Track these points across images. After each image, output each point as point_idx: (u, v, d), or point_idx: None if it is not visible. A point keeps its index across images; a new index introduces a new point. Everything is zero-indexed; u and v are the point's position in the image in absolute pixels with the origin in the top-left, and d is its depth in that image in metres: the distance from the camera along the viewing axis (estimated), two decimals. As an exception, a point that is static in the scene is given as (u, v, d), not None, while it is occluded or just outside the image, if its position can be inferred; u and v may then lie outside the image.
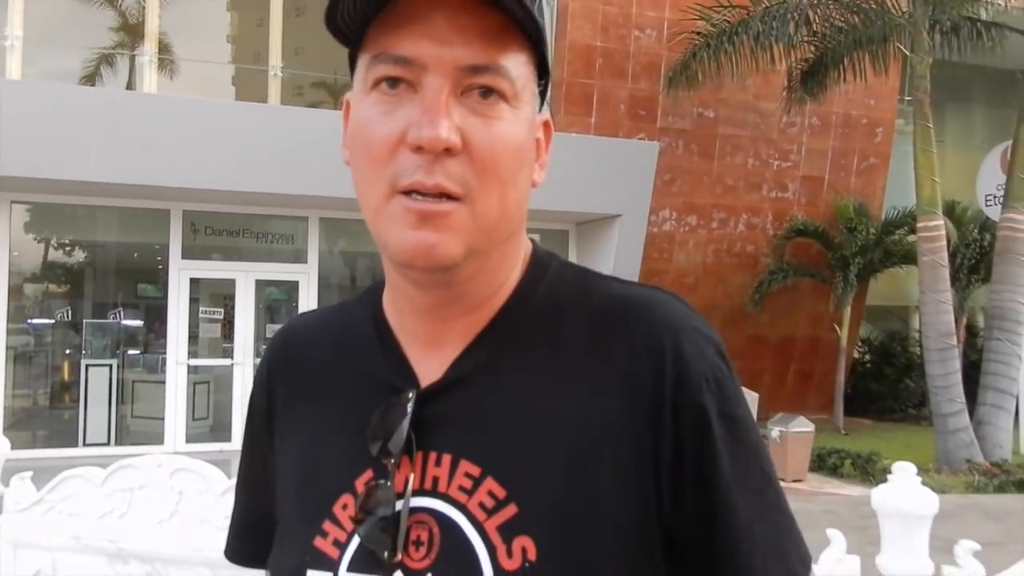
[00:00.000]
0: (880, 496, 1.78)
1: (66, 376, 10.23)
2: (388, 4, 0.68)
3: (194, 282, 10.13)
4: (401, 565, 0.69)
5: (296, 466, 0.79)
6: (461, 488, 0.70)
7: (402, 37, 0.67)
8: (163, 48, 10.65)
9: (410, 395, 0.72)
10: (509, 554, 0.67)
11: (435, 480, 0.71)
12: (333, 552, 0.73)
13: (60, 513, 2.13)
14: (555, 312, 0.74)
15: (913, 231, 9.78)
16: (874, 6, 9.61)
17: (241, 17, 12.23)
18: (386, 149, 0.68)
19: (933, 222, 9.09)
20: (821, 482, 8.40)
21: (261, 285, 10.50)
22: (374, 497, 0.70)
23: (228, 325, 10.41)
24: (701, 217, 12.03)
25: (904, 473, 1.79)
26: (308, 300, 10.49)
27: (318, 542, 0.73)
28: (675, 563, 0.71)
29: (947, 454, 8.74)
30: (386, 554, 0.69)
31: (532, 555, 0.67)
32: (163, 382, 9.89)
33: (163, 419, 9.81)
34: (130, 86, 10.81)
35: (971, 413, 9.10)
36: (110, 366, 9.93)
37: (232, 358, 10.16)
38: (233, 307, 10.28)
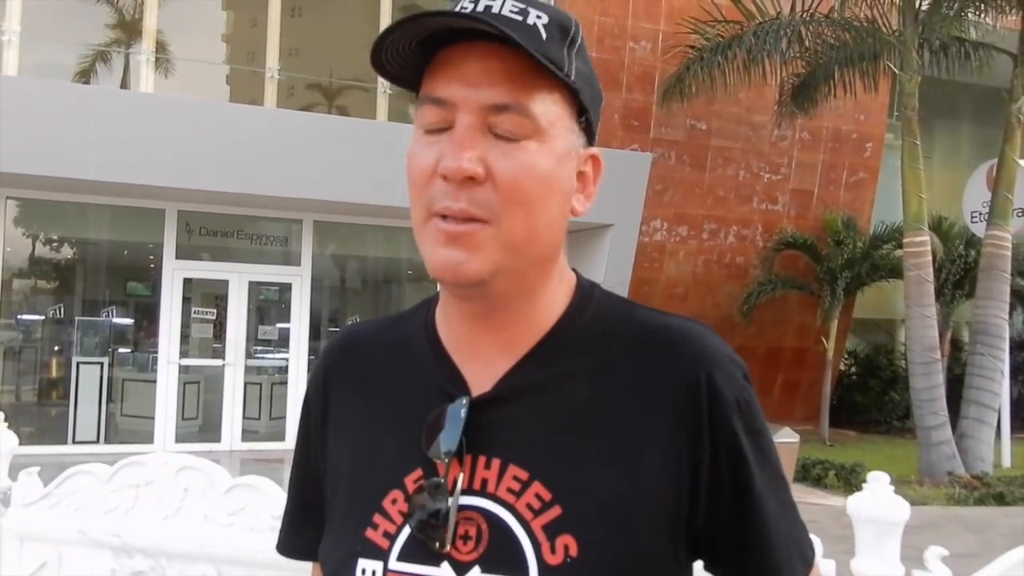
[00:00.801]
0: (855, 504, 1.88)
1: (57, 373, 10.25)
2: (437, 52, 0.77)
3: (187, 282, 10.17)
4: (449, 557, 0.77)
5: (349, 462, 0.87)
6: (509, 490, 0.77)
7: (440, 81, 0.77)
8: (159, 47, 10.69)
9: (463, 402, 0.80)
10: (552, 550, 0.75)
11: (484, 481, 0.78)
12: (383, 543, 0.80)
13: (66, 508, 2.20)
14: (600, 336, 0.83)
15: (900, 246, 9.91)
16: (865, 24, 9.76)
17: (236, 16, 12.25)
18: (424, 177, 0.78)
19: (919, 238, 9.22)
20: (805, 492, 8.49)
21: (254, 286, 10.54)
22: (425, 493, 0.78)
23: (219, 326, 10.44)
24: (692, 228, 12.15)
25: (878, 483, 1.88)
26: (301, 302, 10.55)
27: (369, 533, 0.81)
28: (695, 559, 0.83)
29: (929, 466, 8.86)
30: (437, 545, 0.76)
31: (573, 551, 0.75)
32: (154, 381, 9.91)
33: (153, 418, 9.83)
34: (124, 84, 10.83)
35: (954, 427, 9.22)
36: (101, 364, 9.95)
37: (223, 359, 10.20)
38: (225, 308, 10.32)
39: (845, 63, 10.22)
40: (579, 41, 0.81)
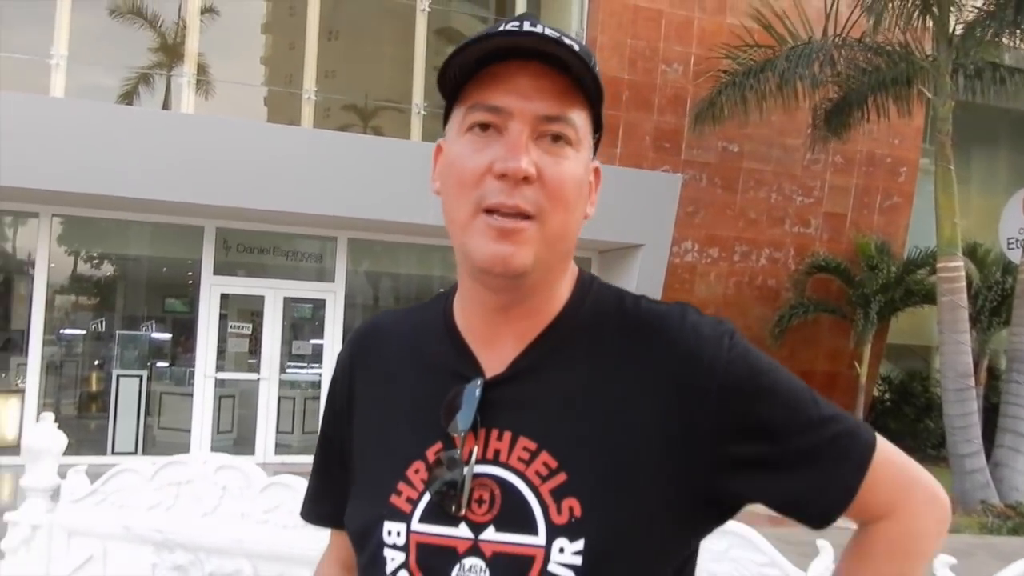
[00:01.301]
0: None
1: (97, 386, 10.50)
2: (486, 67, 0.87)
3: (224, 297, 10.38)
4: (465, 519, 0.87)
5: (374, 437, 0.97)
6: (520, 459, 0.87)
7: (495, 91, 0.87)
8: (200, 69, 10.99)
9: (478, 383, 0.90)
10: (559, 511, 0.85)
11: (496, 452, 0.88)
12: (406, 507, 0.90)
13: (112, 504, 2.31)
14: (598, 322, 0.93)
15: (935, 271, 9.83)
16: (898, 49, 9.75)
17: (275, 40, 12.56)
18: (475, 176, 0.87)
19: (953, 263, 9.15)
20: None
21: (289, 302, 10.74)
22: (444, 463, 0.88)
23: (255, 341, 10.64)
24: (723, 249, 12.15)
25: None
26: (334, 318, 10.71)
27: (393, 499, 0.91)
28: (725, 507, 0.91)
29: (963, 494, 8.74)
30: (453, 508, 0.87)
31: (578, 512, 0.85)
32: (191, 394, 10.11)
33: (189, 431, 10.02)
34: (166, 105, 11.14)
35: (989, 455, 9.10)
36: (140, 377, 10.18)
37: (258, 373, 10.39)
38: (261, 323, 10.52)
39: (878, 88, 10.20)
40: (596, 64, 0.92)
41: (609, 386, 0.89)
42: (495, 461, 0.88)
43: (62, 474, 2.40)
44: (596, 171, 0.96)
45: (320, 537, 2.14)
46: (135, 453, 9.79)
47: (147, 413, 10.16)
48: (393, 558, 0.89)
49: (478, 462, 0.88)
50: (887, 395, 14.06)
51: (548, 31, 0.87)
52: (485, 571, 0.85)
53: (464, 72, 0.88)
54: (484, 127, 0.88)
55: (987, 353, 12.71)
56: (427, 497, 0.89)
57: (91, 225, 10.19)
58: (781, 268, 12.50)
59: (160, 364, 10.63)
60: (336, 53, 11.94)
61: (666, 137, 11.68)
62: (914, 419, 13.26)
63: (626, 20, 11.42)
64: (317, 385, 10.70)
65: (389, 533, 0.90)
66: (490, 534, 0.86)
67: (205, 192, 9.14)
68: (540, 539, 0.85)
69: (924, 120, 12.14)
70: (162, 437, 10.26)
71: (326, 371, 10.66)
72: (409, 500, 0.90)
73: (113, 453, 9.61)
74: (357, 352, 1.04)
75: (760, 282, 12.43)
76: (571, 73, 0.87)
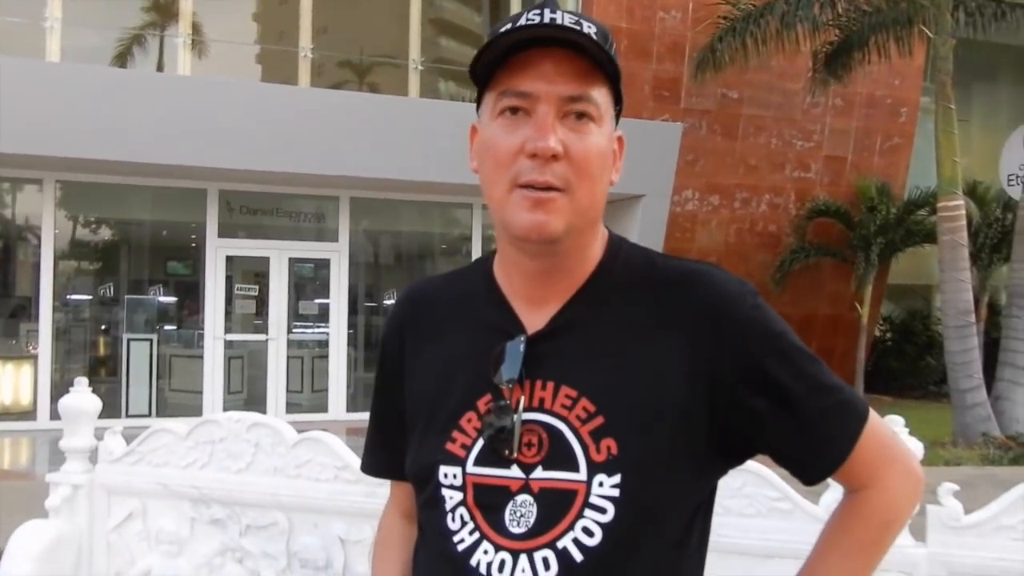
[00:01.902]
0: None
1: (108, 350, 10.62)
2: (512, 56, 0.95)
3: (229, 260, 10.44)
4: (517, 461, 0.96)
5: (428, 391, 1.05)
6: (563, 406, 0.97)
7: (522, 78, 0.95)
8: (194, 29, 10.88)
9: (522, 339, 0.99)
10: (598, 451, 0.95)
11: (541, 400, 0.97)
12: (461, 453, 1.00)
13: (148, 464, 2.40)
14: (630, 280, 1.02)
15: (935, 211, 9.86)
16: (898, -13, 9.66)
17: (265, -4, 12.37)
18: (509, 155, 0.95)
19: (953, 202, 9.18)
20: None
21: (294, 263, 10.80)
22: (494, 413, 0.97)
23: (261, 302, 10.73)
24: (724, 197, 12.17)
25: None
26: (339, 277, 10.79)
27: (448, 446, 1.00)
28: (738, 451, 1.01)
29: (964, 428, 8.90)
30: (507, 452, 0.96)
31: (615, 451, 0.94)
32: (200, 357, 10.23)
33: (201, 392, 10.16)
34: (160, 66, 11.05)
35: (989, 389, 9.24)
36: (150, 341, 10.29)
37: (266, 334, 10.49)
38: (267, 284, 10.60)
39: (879, 28, 10.12)
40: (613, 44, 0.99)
41: (640, 338, 0.98)
42: (540, 408, 0.97)
43: (98, 436, 2.48)
44: (620, 140, 1.04)
45: (351, 490, 2.24)
46: (149, 415, 9.94)
47: (158, 376, 10.29)
48: (451, 497, 0.99)
49: (526, 410, 0.97)
50: (888, 335, 14.20)
51: (567, 19, 0.94)
52: (534, 505, 0.95)
53: (493, 60, 0.96)
54: (514, 111, 0.96)
55: (987, 290, 12.81)
56: (480, 443, 0.98)
57: (94, 190, 10.20)
58: (782, 214, 12.52)
59: (168, 327, 10.72)
60: (329, 8, 11.79)
61: (665, 86, 11.62)
62: (915, 357, 13.42)
63: (622, -34, 11.28)
64: (324, 344, 10.81)
65: (446, 476, 1.00)
66: (538, 473, 0.96)
67: (206, 155, 9.14)
68: (582, 475, 0.94)
69: (925, 59, 12.04)
70: (174, 399, 10.40)
71: (333, 330, 10.76)
72: (464, 446, 1.00)
73: (128, 416, 9.76)
74: (406, 314, 1.12)
75: (761, 228, 12.47)
76: (589, 56, 0.94)
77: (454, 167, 9.25)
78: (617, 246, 1.06)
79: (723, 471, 1.04)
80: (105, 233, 11.13)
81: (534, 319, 1.01)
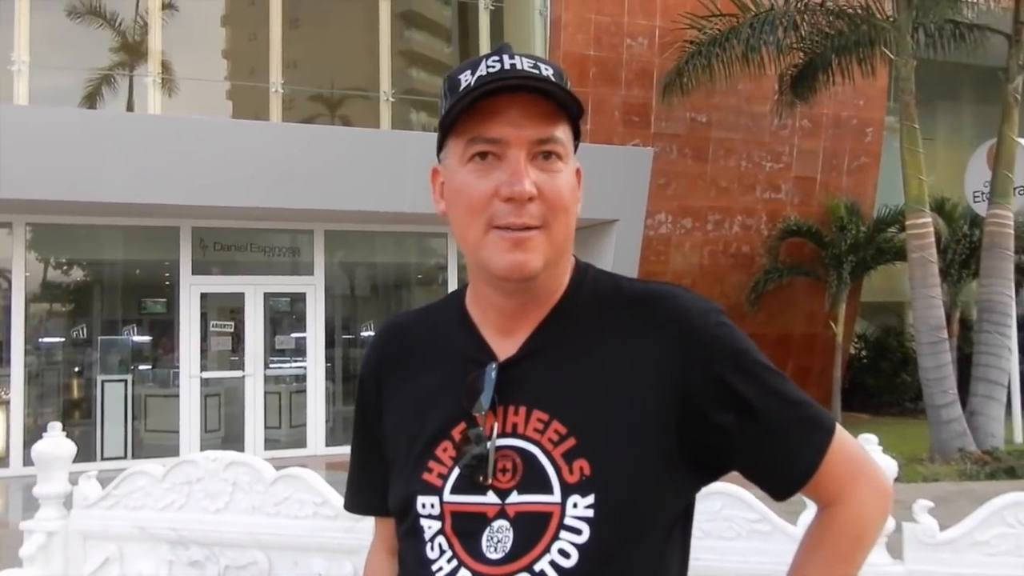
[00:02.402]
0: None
1: (82, 392, 10.47)
2: (477, 103, 0.97)
3: (204, 296, 10.37)
4: (492, 487, 0.98)
5: (405, 424, 1.07)
6: (535, 429, 0.98)
7: (491, 124, 0.98)
8: (163, 67, 10.89)
9: (493, 366, 1.01)
10: (571, 472, 0.96)
11: (514, 425, 0.99)
12: (437, 482, 1.01)
13: (125, 507, 2.38)
14: (596, 305, 1.04)
15: (904, 228, 10.02)
16: (859, 11, 9.88)
17: (234, 32, 12.39)
18: (483, 200, 0.98)
19: (921, 219, 9.33)
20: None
21: (269, 298, 10.74)
22: (471, 439, 0.99)
23: (237, 338, 10.65)
24: (696, 220, 12.29)
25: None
26: (316, 311, 10.74)
27: (425, 476, 1.02)
28: (710, 467, 1.03)
29: (941, 444, 8.97)
30: (481, 478, 0.97)
31: (587, 471, 0.96)
32: (176, 396, 10.12)
33: (177, 432, 10.04)
34: (130, 106, 11.02)
35: (964, 404, 9.33)
36: (125, 381, 10.17)
37: (242, 370, 10.40)
38: (242, 320, 10.53)
39: (841, 50, 10.35)
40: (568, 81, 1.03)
41: (609, 359, 1.01)
42: (514, 433, 0.99)
43: (72, 481, 2.45)
44: (578, 171, 1.08)
45: (331, 526, 2.22)
46: (124, 457, 9.79)
47: (133, 417, 10.15)
48: (430, 526, 1.01)
49: (499, 436, 0.99)
50: (863, 352, 14.33)
51: (526, 63, 0.98)
52: (510, 530, 0.96)
53: (460, 110, 0.98)
54: (483, 156, 0.99)
55: (958, 305, 12.98)
56: (456, 471, 1.00)
57: (65, 232, 10.12)
58: (754, 234, 12.66)
59: (143, 367, 10.60)
60: (298, 42, 11.85)
61: (635, 111, 11.76)
62: (891, 374, 13.54)
63: (590, -3, 11.45)
64: (302, 379, 10.74)
65: (423, 506, 1.01)
66: (514, 498, 0.97)
67: (178, 193, 9.11)
68: (556, 497, 0.96)
69: (888, 80, 12.30)
70: (150, 440, 10.26)
71: (310, 364, 10.70)
72: (440, 475, 1.01)
73: (102, 459, 9.61)
74: (382, 350, 1.15)
75: (734, 250, 12.60)
76: (553, 98, 0.98)
77: (428, 197, 9.18)
78: (583, 272, 1.09)
79: (696, 488, 1.05)
80: (77, 274, 11.02)
81: (505, 347, 1.04)
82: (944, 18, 10.00)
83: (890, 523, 1.89)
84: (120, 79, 11.13)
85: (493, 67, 0.98)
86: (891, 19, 9.68)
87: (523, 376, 1.01)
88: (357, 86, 12.34)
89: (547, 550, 0.95)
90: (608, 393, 0.99)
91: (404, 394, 1.09)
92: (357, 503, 1.20)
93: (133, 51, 11.10)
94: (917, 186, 9.35)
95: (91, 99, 10.92)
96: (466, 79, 0.99)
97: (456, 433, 1.01)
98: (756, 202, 12.65)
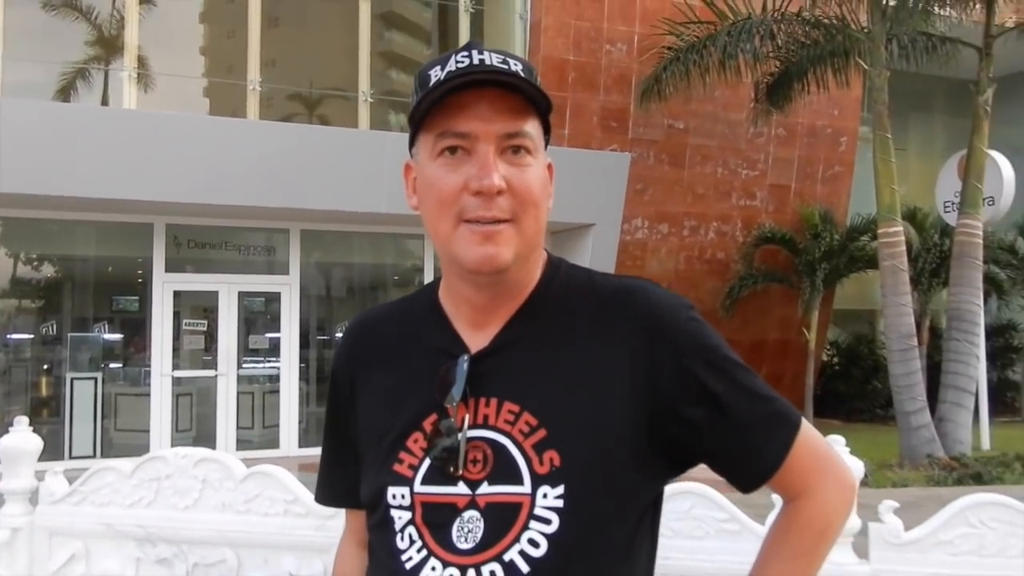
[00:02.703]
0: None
1: (51, 390, 10.32)
2: (447, 97, 0.98)
3: (177, 295, 10.27)
4: (463, 478, 0.99)
5: (376, 416, 1.08)
6: (506, 421, 0.99)
7: (460, 119, 0.98)
8: (140, 63, 10.78)
9: (465, 359, 1.02)
10: (541, 463, 0.97)
11: (485, 417, 1.00)
12: (408, 472, 1.02)
13: (92, 503, 2.35)
14: (568, 298, 1.05)
15: (876, 237, 10.15)
16: (835, 22, 10.00)
17: (212, 29, 12.30)
18: (453, 193, 0.99)
19: (893, 228, 9.45)
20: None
21: (244, 297, 10.66)
22: (440, 431, 0.99)
23: (210, 337, 10.55)
24: (672, 225, 12.37)
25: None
26: (290, 311, 10.67)
27: (396, 467, 1.03)
28: (678, 460, 1.04)
29: (910, 450, 9.09)
30: (451, 469, 0.98)
31: (557, 462, 0.97)
32: (147, 394, 10.01)
33: (148, 431, 9.92)
34: (104, 100, 10.90)
35: (933, 411, 9.46)
36: (95, 380, 10.04)
37: (215, 369, 10.31)
38: (216, 319, 10.44)
39: (817, 60, 10.48)
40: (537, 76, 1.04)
41: (580, 352, 1.01)
42: (485, 425, 1.00)
43: (40, 479, 2.42)
44: (550, 167, 1.08)
45: (301, 524, 2.21)
46: (93, 456, 9.66)
47: (103, 416, 10.02)
48: (400, 517, 1.01)
49: (471, 427, 1.00)
50: (835, 359, 14.48)
51: (495, 59, 0.99)
52: (480, 520, 0.97)
53: (429, 104, 0.99)
54: (453, 150, 0.99)
55: (928, 313, 13.17)
56: (427, 462, 1.01)
57: (37, 226, 9.98)
58: (729, 241, 12.76)
59: (113, 365, 10.48)
60: (277, 41, 11.79)
61: (613, 116, 11.82)
62: (862, 381, 13.69)
63: (570, 2, 11.49)
64: (276, 379, 10.67)
65: (394, 496, 1.02)
66: (484, 488, 0.98)
67: (153, 189, 9.02)
68: (526, 488, 0.97)
69: (862, 90, 12.46)
70: (120, 439, 10.13)
71: (284, 364, 10.62)
72: (411, 466, 1.02)
73: (71, 457, 9.49)
74: (354, 345, 1.15)
75: (710, 256, 12.69)
76: (521, 92, 0.99)
77: (404, 198, 9.26)
78: (556, 266, 1.09)
79: (665, 480, 1.06)
80: (48, 270, 10.87)
81: (477, 339, 1.04)
82: (917, 30, 10.16)
83: (856, 523, 1.91)
84: (95, 73, 11.01)
85: (462, 62, 0.98)
86: (866, 30, 9.81)
87: (494, 369, 1.02)
88: (335, 86, 12.29)
89: (517, 540, 0.95)
90: (578, 386, 0.99)
91: (376, 387, 1.09)
92: (328, 496, 1.20)
93: (109, 46, 10.98)
94: (889, 195, 9.47)
95: (65, 93, 10.79)
96: (436, 74, 0.99)
97: (427, 424, 1.02)
98: (732, 209, 12.76)
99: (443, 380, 1.01)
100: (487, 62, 0.98)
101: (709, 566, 1.95)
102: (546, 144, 1.06)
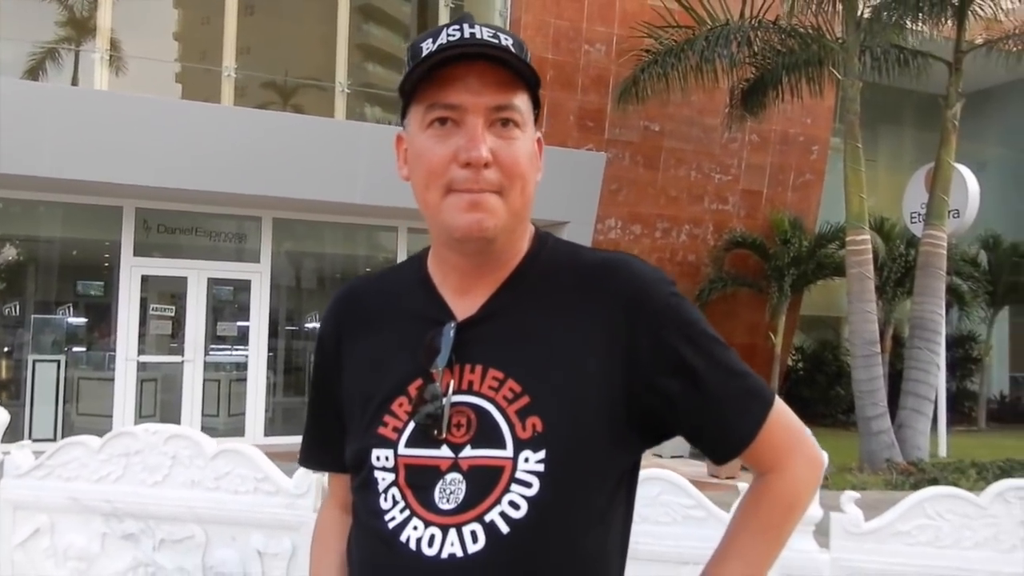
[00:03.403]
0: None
1: (12, 373, 10.15)
2: (438, 70, 0.99)
3: (144, 279, 10.15)
4: (446, 441, 1.01)
5: (362, 380, 1.10)
6: (490, 387, 1.02)
7: (450, 91, 1.00)
8: (112, 45, 10.64)
9: (451, 325, 1.04)
10: (523, 428, 1.00)
11: (470, 383, 1.02)
12: (393, 435, 1.04)
13: (58, 478, 2.34)
14: (554, 270, 1.08)
15: (844, 245, 10.30)
16: (810, 31, 10.14)
17: (187, 15, 12.17)
18: (442, 164, 1.00)
19: (860, 236, 9.60)
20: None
21: (213, 284, 10.56)
22: (425, 395, 1.02)
23: (177, 323, 10.44)
24: (645, 226, 12.45)
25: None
26: (260, 299, 10.59)
27: (380, 430, 1.05)
28: (654, 431, 1.06)
29: (870, 454, 9.24)
30: (435, 432, 1.00)
31: (540, 428, 0.99)
32: (111, 379, 9.88)
33: (110, 416, 9.80)
34: (74, 81, 10.74)
35: (893, 418, 9.62)
36: (57, 362, 9.89)
37: (182, 356, 10.21)
38: (184, 305, 10.33)
39: (792, 68, 10.60)
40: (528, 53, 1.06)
41: (564, 322, 1.04)
42: (469, 391, 1.02)
43: (5, 452, 2.40)
44: (539, 141, 1.10)
45: (271, 502, 2.21)
46: (54, 439, 9.50)
47: (65, 399, 9.88)
48: (384, 478, 1.03)
49: (455, 393, 1.02)
50: (800, 364, 14.67)
51: (486, 33, 1.01)
52: (463, 483, 0.99)
53: (419, 75, 1.01)
54: (443, 121, 1.01)
55: (892, 322, 13.39)
56: (411, 425, 1.03)
57: (2, 207, 9.80)
58: (701, 244, 12.88)
59: (77, 349, 10.33)
60: (253, 29, 11.68)
61: (590, 116, 11.88)
62: (826, 386, 13.89)
63: (550, 1, 11.53)
64: (243, 367, 10.58)
65: (378, 458, 1.04)
66: (467, 452, 1.00)
67: (123, 172, 8.90)
68: (509, 452, 0.99)
69: (835, 100, 12.64)
70: (81, 424, 9.99)
71: (252, 353, 10.54)
72: (395, 429, 1.04)
73: (31, 440, 9.32)
74: (341, 311, 1.17)
75: (681, 258, 12.80)
76: (510, 67, 1.01)
77: (379, 190, 9.23)
78: (544, 239, 1.12)
79: (641, 450, 1.09)
80: (10, 251, 10.68)
81: (464, 308, 1.07)
82: (890, 43, 10.33)
83: (818, 512, 1.96)
84: (65, 54, 10.84)
85: (453, 35, 1.00)
86: (840, 41, 9.95)
87: (480, 336, 1.04)
88: (311, 76, 12.21)
89: (498, 502, 0.98)
90: (561, 355, 1.02)
91: (362, 352, 1.11)
92: (314, 460, 1.22)
93: (81, 26, 10.82)
94: (858, 203, 9.61)
95: (33, 73, 10.61)
96: (427, 47, 1.01)
97: (412, 389, 1.04)
98: (704, 212, 12.88)
99: (429, 346, 1.03)
100: (478, 36, 1.00)
101: (674, 551, 1.99)
102: (536, 119, 1.08)
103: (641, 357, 1.02)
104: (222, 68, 10.97)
